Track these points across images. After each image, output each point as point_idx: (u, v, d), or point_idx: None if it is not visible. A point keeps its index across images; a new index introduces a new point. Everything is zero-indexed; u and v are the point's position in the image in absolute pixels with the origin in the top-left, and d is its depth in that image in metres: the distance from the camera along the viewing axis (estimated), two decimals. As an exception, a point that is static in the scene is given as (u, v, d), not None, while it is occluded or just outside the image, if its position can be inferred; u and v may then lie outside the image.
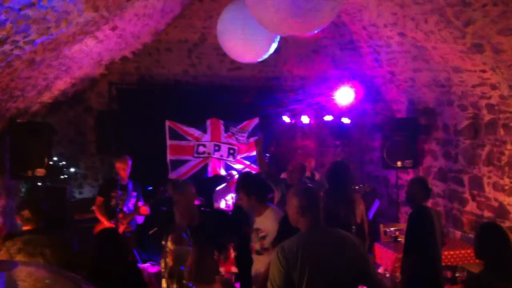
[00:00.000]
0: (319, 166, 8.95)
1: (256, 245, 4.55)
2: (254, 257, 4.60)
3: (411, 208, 5.09)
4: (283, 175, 7.10)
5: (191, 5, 8.39)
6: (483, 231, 3.76)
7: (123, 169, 6.62)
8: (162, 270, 5.09)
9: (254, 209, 4.61)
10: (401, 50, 6.37)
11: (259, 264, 4.50)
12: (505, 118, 5.68)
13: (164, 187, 6.92)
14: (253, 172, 8.27)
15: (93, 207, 6.61)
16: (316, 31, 3.83)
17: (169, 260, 4.88)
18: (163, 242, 5.04)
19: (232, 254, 6.68)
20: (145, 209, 6.65)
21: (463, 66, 5.54)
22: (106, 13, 5.16)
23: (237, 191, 4.86)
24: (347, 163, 5.98)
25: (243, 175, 6.34)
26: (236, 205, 6.41)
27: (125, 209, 6.53)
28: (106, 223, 6.33)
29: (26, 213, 4.76)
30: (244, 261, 4.88)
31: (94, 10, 4.76)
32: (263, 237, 4.46)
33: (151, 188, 7.08)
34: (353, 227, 5.19)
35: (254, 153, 8.75)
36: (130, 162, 6.69)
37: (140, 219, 6.85)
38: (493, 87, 5.46)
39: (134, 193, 6.70)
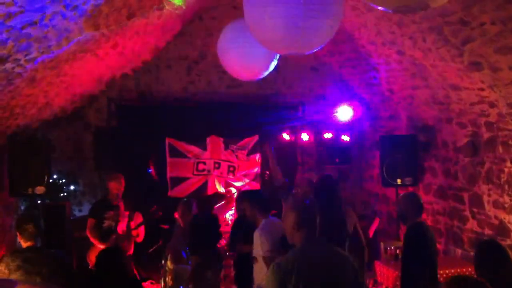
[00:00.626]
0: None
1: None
2: (254, 266, 4.70)
3: (404, 224, 5.09)
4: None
5: (191, 22, 8.45)
6: (483, 248, 3.75)
7: (117, 188, 6.45)
8: (162, 289, 5.08)
9: (256, 219, 4.72)
10: (400, 68, 6.40)
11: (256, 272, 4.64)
12: (503, 136, 5.69)
13: (157, 207, 6.77)
14: (253, 189, 8.30)
15: (86, 231, 6.39)
16: (315, 50, 3.86)
17: (168, 280, 4.87)
18: (162, 261, 5.03)
19: (232, 272, 6.69)
20: (134, 232, 6.47)
21: (461, 84, 5.56)
22: (107, 31, 5.20)
23: (240, 201, 5.03)
24: (333, 176, 5.99)
25: (247, 190, 6.49)
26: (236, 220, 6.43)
27: (119, 229, 6.35)
28: (99, 246, 6.06)
29: (30, 227, 4.66)
30: (244, 279, 4.93)
31: (95, 28, 4.80)
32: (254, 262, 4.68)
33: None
34: (347, 238, 5.23)
35: (254, 170, 8.77)
36: (123, 181, 6.51)
37: (139, 237, 6.78)
38: (492, 105, 5.48)
39: (127, 213, 6.50)
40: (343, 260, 3.32)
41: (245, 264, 4.97)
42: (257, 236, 4.62)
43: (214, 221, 5.55)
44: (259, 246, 4.56)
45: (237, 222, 6.09)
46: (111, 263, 3.93)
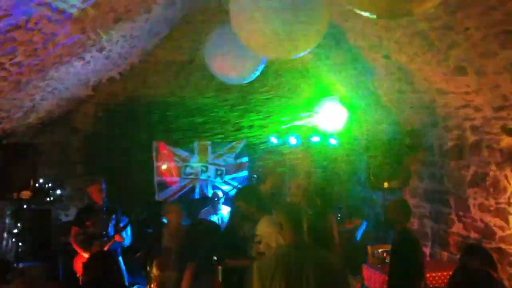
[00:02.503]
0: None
1: (253, 251, 4.64)
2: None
3: (391, 230, 5.13)
4: None
5: (179, 26, 8.43)
6: (468, 251, 3.78)
7: (97, 190, 6.41)
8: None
9: (253, 216, 4.73)
10: (386, 72, 6.44)
11: None
12: (488, 140, 5.75)
13: (140, 208, 6.71)
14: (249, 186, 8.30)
15: (70, 239, 6.34)
16: (302, 54, 3.88)
17: (153, 286, 4.84)
18: (148, 268, 5.00)
19: (220, 277, 6.66)
20: (118, 237, 6.42)
21: (447, 88, 5.61)
22: (93, 35, 5.18)
23: (236, 199, 5.01)
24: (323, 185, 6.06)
25: (244, 186, 6.46)
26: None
27: (104, 234, 6.30)
28: (83, 255, 6.04)
29: None
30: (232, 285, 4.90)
31: (82, 31, 4.78)
32: (259, 242, 4.59)
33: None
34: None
35: (241, 173, 8.78)
36: (103, 185, 6.46)
37: (126, 242, 6.74)
38: (477, 109, 5.53)
39: (113, 216, 6.46)
40: (328, 263, 3.36)
41: (232, 272, 4.93)
42: (267, 227, 4.56)
43: (215, 229, 5.53)
44: (271, 236, 4.48)
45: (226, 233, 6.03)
46: (102, 269, 3.90)
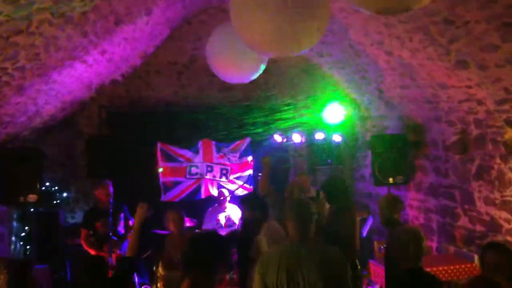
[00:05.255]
0: (311, 184, 8.95)
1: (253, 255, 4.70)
2: None
3: (386, 227, 5.14)
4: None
5: (180, 27, 8.46)
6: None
7: (105, 194, 6.44)
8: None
9: (256, 223, 4.79)
10: (388, 68, 6.44)
11: None
12: (492, 133, 5.74)
13: (148, 205, 6.69)
14: (247, 191, 8.33)
15: (81, 242, 6.37)
16: (303, 52, 3.88)
17: (160, 286, 4.86)
18: (154, 268, 5.03)
19: (227, 276, 6.69)
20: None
21: (449, 82, 5.60)
22: (95, 38, 5.21)
23: (243, 209, 5.06)
24: (343, 178, 6.05)
25: (249, 193, 6.50)
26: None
27: (114, 235, 6.32)
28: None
29: None
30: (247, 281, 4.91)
31: (83, 35, 4.81)
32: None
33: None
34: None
35: (247, 172, 8.78)
36: (110, 187, 6.49)
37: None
38: (479, 102, 5.52)
39: (121, 215, 6.51)
40: (330, 258, 3.40)
41: (248, 265, 4.96)
42: (260, 239, 4.63)
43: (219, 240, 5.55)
44: (262, 249, 4.56)
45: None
46: (96, 272, 3.93)
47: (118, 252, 6.26)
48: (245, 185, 8.70)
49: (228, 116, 8.73)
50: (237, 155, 8.78)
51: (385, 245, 6.48)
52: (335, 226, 5.20)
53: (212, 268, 3.74)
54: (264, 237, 4.69)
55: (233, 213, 7.51)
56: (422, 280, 3.61)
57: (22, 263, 3.95)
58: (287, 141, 8.80)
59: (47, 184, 7.86)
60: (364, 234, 7.58)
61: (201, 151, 8.63)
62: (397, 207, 5.11)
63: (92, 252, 6.19)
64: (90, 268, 4.00)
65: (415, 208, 7.63)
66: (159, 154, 8.40)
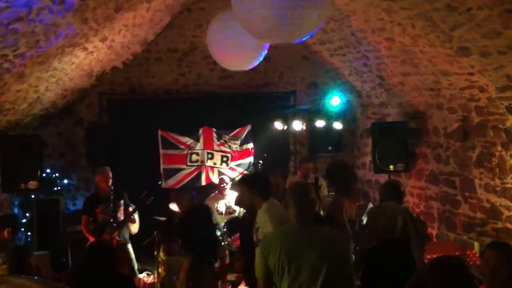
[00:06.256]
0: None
1: (255, 238, 4.66)
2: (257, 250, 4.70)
3: None
4: None
5: (180, 14, 8.43)
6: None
7: (104, 180, 6.43)
8: (155, 280, 5.10)
9: (255, 203, 4.73)
10: (390, 55, 6.41)
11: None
12: (494, 120, 5.73)
13: (147, 192, 6.71)
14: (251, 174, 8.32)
15: (82, 228, 6.41)
16: (304, 39, 3.87)
17: (161, 271, 4.89)
18: (155, 253, 5.05)
19: (227, 261, 6.72)
20: (132, 219, 6.51)
21: (450, 69, 5.58)
22: (95, 25, 5.18)
23: (240, 187, 4.99)
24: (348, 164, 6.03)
25: (249, 174, 6.45)
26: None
27: (113, 221, 6.35)
28: None
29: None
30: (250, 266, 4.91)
31: (83, 22, 4.78)
32: (257, 229, 4.61)
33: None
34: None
35: (247, 160, 8.79)
36: (110, 173, 6.48)
37: (134, 228, 6.79)
38: (481, 89, 5.51)
39: (121, 202, 6.51)
40: (331, 241, 3.43)
41: (252, 253, 4.95)
42: (262, 215, 4.59)
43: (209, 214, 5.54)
44: (265, 224, 4.52)
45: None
46: (99, 256, 3.95)
47: (117, 238, 6.30)
48: (245, 172, 8.71)
49: (229, 104, 8.72)
50: (238, 142, 8.78)
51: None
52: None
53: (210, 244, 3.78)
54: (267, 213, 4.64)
55: (233, 200, 7.51)
56: None
57: (21, 249, 3.98)
58: (287, 128, 8.79)
59: (48, 171, 7.88)
60: (364, 221, 7.59)
61: (201, 138, 8.63)
62: (395, 193, 5.09)
63: (92, 238, 6.22)
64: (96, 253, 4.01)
65: (415, 195, 7.65)
66: (159, 141, 8.40)
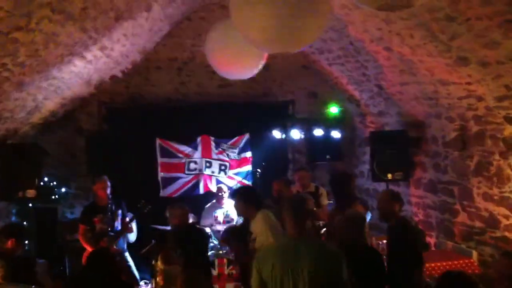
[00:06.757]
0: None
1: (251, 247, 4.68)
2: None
3: (386, 222, 5.15)
4: None
5: (180, 23, 8.45)
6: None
7: (102, 188, 6.43)
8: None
9: (248, 214, 4.76)
10: (388, 65, 6.44)
11: None
12: (491, 129, 5.74)
13: (145, 201, 6.70)
14: (245, 185, 8.31)
15: (79, 237, 6.42)
16: (303, 48, 3.88)
17: (159, 280, 4.88)
18: (153, 262, 5.04)
19: (227, 270, 6.70)
20: (129, 228, 6.52)
21: (449, 79, 5.61)
22: (95, 34, 5.20)
23: (236, 200, 5.04)
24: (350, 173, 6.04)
25: (240, 188, 6.48)
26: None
27: (111, 230, 6.36)
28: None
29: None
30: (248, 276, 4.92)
31: (82, 31, 4.80)
32: (253, 240, 4.67)
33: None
34: None
35: (245, 168, 8.79)
36: (108, 182, 6.49)
37: (132, 237, 6.78)
38: (479, 98, 5.52)
39: (119, 211, 6.52)
40: (326, 254, 3.45)
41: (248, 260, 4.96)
42: (259, 225, 4.61)
43: (200, 233, 5.61)
44: (264, 234, 4.53)
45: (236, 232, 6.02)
46: (100, 264, 3.94)
47: (114, 247, 6.28)
48: (243, 181, 8.71)
49: (228, 112, 8.72)
50: (236, 151, 8.78)
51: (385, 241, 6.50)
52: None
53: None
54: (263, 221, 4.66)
55: (231, 209, 7.51)
56: None
57: (25, 259, 3.98)
58: (286, 137, 8.80)
59: (46, 179, 7.86)
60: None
61: (200, 147, 8.63)
62: (395, 202, 5.10)
63: (89, 248, 6.19)
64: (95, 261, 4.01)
65: (414, 204, 7.65)
66: (157, 149, 8.41)
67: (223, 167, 8.73)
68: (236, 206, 5.15)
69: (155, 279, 5.18)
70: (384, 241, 6.59)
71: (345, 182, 5.57)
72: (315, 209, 6.11)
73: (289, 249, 3.40)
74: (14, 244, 5.01)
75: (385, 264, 4.89)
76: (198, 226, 6.90)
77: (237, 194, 5.14)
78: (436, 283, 3.52)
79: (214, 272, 6.04)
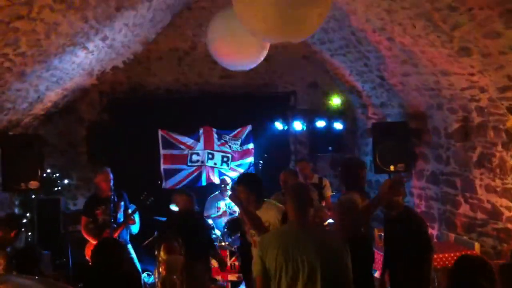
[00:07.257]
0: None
1: (257, 238, 4.60)
2: (254, 250, 4.65)
3: (390, 211, 5.12)
4: None
5: (181, 14, 8.42)
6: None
7: (104, 181, 6.40)
8: (156, 279, 5.10)
9: (253, 204, 4.73)
10: (390, 55, 6.41)
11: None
12: (494, 121, 5.72)
13: (147, 193, 6.70)
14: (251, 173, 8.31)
15: (81, 229, 6.41)
16: (304, 38, 3.87)
17: (162, 270, 4.89)
18: (156, 252, 5.05)
19: (229, 262, 6.73)
20: (132, 220, 6.53)
21: (451, 69, 5.58)
22: (96, 24, 5.18)
23: (238, 185, 4.98)
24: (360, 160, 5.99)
25: (246, 173, 6.44)
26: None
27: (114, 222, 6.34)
28: (94, 243, 6.02)
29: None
30: (249, 267, 4.92)
31: (84, 21, 4.78)
32: (267, 227, 4.58)
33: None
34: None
35: (248, 160, 8.79)
36: (111, 174, 6.46)
37: (135, 229, 6.79)
38: (482, 89, 5.50)
39: (121, 203, 6.50)
40: (328, 242, 3.46)
41: (249, 253, 4.95)
42: (273, 213, 4.60)
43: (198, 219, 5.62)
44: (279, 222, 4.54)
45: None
46: (108, 255, 3.95)
47: (117, 239, 6.28)
48: (246, 172, 8.71)
49: (229, 103, 8.70)
50: (238, 142, 8.78)
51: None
52: None
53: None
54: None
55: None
56: None
57: (29, 249, 3.99)
58: (288, 129, 8.79)
59: (48, 171, 7.87)
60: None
61: (202, 139, 8.64)
62: (397, 190, 5.06)
63: (91, 239, 6.21)
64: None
65: (416, 195, 7.64)
66: (160, 141, 8.41)
67: (225, 159, 8.74)
68: (238, 191, 5.04)
69: (158, 269, 5.20)
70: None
71: (359, 169, 5.45)
72: (318, 210, 6.12)
73: (292, 237, 3.41)
74: (14, 235, 5.05)
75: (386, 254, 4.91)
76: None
77: (242, 181, 5.05)
78: (453, 265, 3.55)
79: (215, 264, 6.07)
